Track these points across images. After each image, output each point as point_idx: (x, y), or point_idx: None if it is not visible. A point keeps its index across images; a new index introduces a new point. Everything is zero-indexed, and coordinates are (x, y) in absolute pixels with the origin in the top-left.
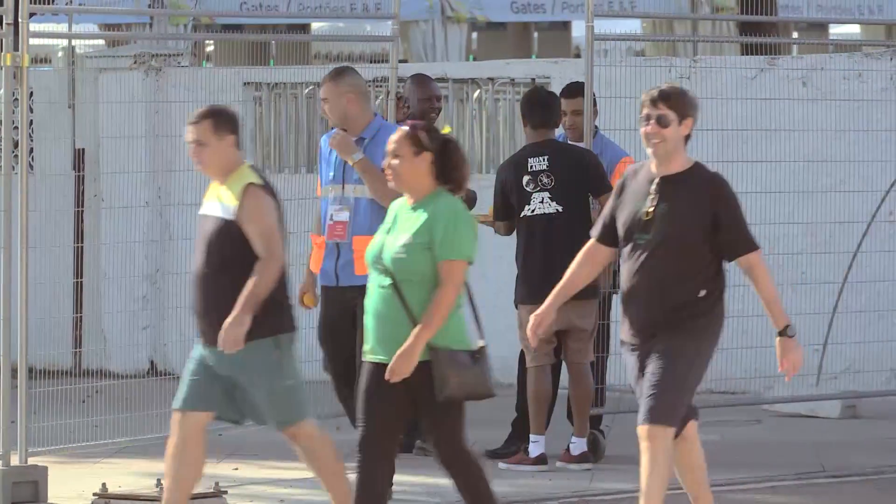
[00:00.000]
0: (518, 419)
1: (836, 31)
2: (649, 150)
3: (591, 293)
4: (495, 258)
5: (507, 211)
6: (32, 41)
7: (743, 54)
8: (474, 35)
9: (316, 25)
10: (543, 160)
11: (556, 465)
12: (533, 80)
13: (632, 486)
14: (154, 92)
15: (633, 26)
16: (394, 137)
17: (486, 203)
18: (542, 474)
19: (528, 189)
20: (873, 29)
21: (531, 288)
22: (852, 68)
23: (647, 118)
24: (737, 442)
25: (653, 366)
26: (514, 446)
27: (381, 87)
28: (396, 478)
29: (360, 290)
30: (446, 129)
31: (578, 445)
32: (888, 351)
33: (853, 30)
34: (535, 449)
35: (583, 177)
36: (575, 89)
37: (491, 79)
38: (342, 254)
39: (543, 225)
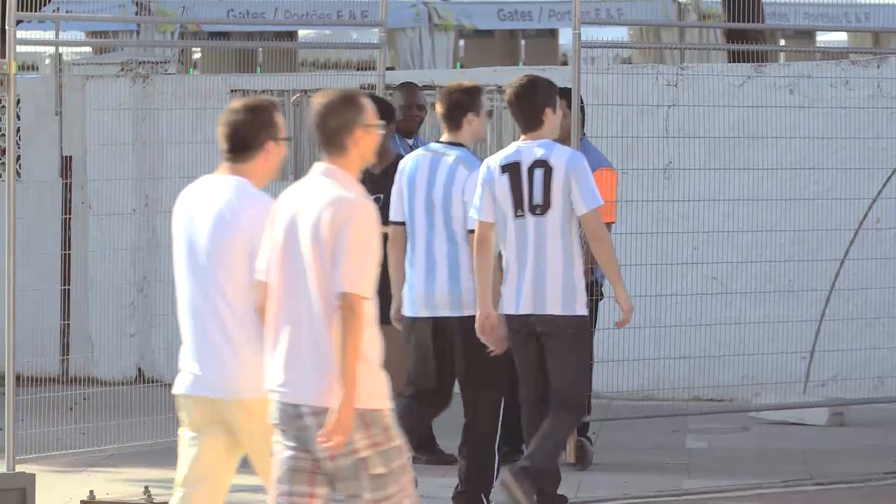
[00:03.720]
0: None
1: (823, 38)
2: None
3: None
4: None
5: None
6: (19, 48)
7: (730, 62)
8: (461, 42)
9: (303, 33)
10: None
11: None
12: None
13: (619, 493)
14: (141, 99)
15: (620, 34)
16: None
17: None
18: None
19: None
20: (860, 36)
21: None
22: (839, 76)
23: None
24: (724, 449)
25: None
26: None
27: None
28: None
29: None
30: None
31: None
32: (875, 359)
33: (840, 37)
34: None
35: None
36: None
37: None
38: None
39: None
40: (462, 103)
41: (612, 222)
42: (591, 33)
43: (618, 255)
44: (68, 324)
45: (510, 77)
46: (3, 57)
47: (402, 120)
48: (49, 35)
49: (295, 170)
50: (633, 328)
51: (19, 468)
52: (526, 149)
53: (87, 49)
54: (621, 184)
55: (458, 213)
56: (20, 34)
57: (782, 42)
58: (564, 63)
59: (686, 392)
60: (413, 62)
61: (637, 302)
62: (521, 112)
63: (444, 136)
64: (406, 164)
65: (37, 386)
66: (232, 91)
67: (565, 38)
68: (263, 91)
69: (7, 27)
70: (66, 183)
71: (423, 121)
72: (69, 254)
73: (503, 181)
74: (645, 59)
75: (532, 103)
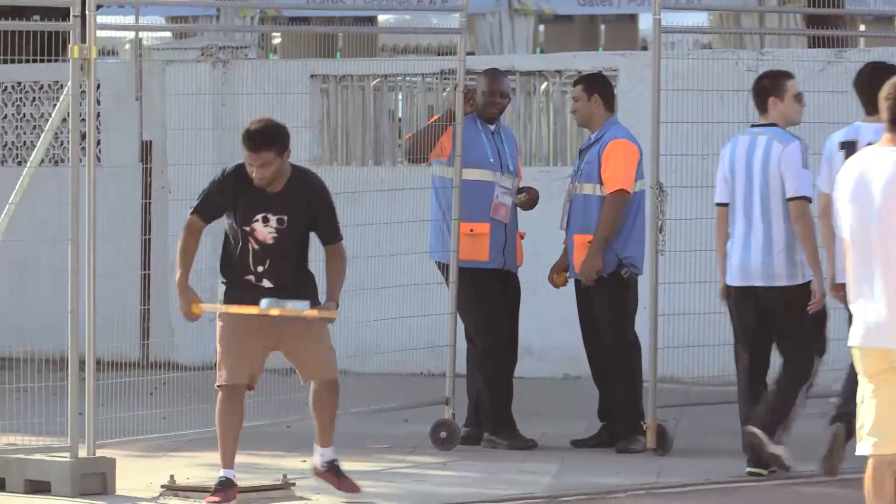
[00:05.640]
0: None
1: None
2: None
3: None
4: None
5: None
6: (100, 33)
7: (810, 47)
8: (541, 28)
9: (382, 18)
10: None
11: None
12: (600, 72)
13: (700, 479)
14: (221, 84)
15: (700, 19)
16: None
17: (554, 203)
18: (608, 467)
19: None
20: None
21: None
22: None
23: None
24: (805, 435)
25: None
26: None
27: (448, 79)
28: (467, 473)
29: None
30: None
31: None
32: None
33: None
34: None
35: None
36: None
37: (558, 71)
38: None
39: None
40: (766, 88)
41: (625, 191)
42: (672, 18)
43: (695, 240)
44: (148, 309)
45: (590, 62)
46: (84, 42)
47: (484, 106)
48: (129, 20)
49: (374, 154)
50: (714, 313)
51: (100, 453)
52: (864, 129)
53: (167, 34)
54: (700, 169)
55: (775, 185)
56: (100, 19)
57: (862, 27)
58: (644, 48)
59: None
60: (493, 47)
61: (716, 287)
62: (863, 96)
63: (759, 119)
64: (726, 151)
65: (117, 371)
66: (312, 76)
67: (645, 23)
68: (343, 76)
69: (87, 12)
70: (146, 168)
71: (504, 108)
72: (149, 238)
73: (839, 157)
74: (725, 44)
75: (874, 89)
